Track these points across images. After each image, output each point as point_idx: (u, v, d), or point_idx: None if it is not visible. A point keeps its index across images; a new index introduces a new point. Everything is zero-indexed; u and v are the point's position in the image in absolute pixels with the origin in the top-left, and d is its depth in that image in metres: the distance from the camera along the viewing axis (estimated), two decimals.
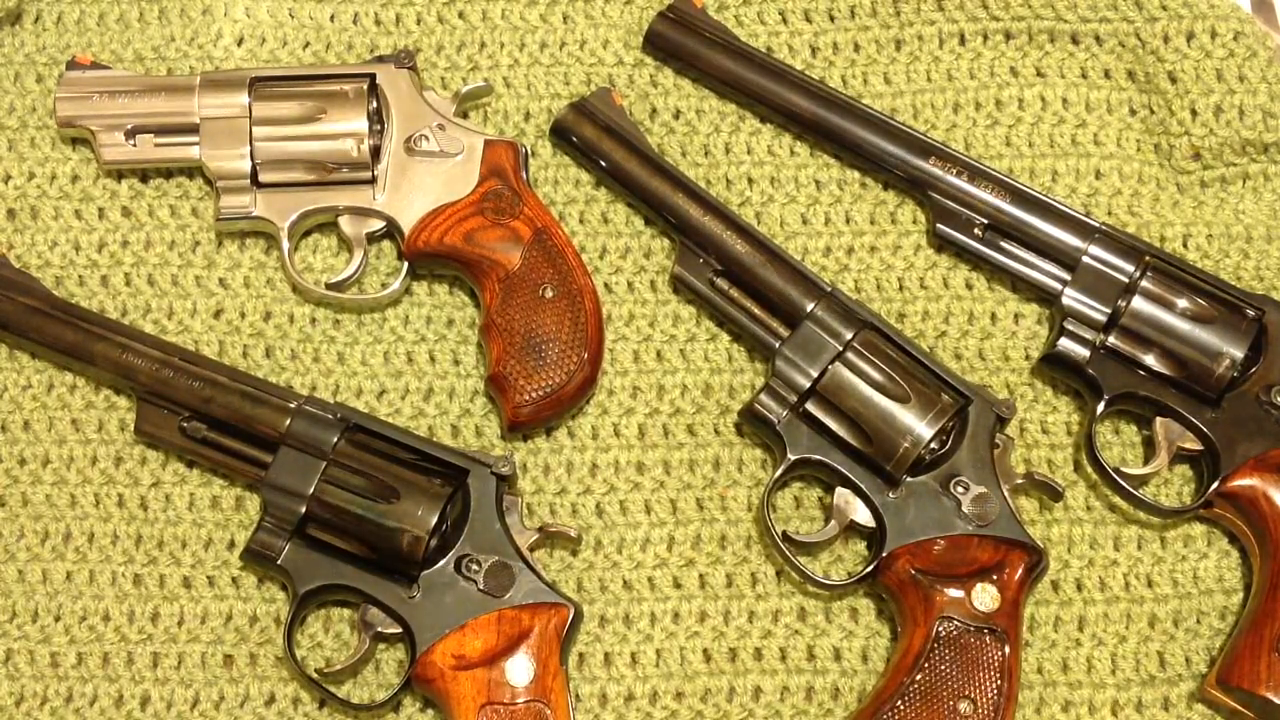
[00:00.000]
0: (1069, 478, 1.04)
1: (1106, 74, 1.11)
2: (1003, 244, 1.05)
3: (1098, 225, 1.03)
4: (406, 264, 1.05)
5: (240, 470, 0.99)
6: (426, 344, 1.06)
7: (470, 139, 1.06)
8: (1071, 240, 1.03)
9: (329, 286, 1.06)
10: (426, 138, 1.05)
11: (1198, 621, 1.01)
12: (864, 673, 1.00)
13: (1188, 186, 1.09)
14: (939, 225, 1.06)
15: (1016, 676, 0.94)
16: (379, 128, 1.05)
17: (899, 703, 0.93)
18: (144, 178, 1.10)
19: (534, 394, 1.00)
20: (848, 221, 1.09)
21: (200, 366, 1.00)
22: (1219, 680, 0.95)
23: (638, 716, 0.99)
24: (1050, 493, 1.00)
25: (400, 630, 0.95)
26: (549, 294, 1.02)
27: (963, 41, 1.12)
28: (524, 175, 1.06)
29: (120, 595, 1.01)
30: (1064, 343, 1.02)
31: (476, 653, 0.93)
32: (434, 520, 0.93)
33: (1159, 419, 1.01)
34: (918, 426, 0.96)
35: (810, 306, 1.01)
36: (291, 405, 0.98)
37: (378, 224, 1.06)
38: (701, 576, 1.02)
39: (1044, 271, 1.04)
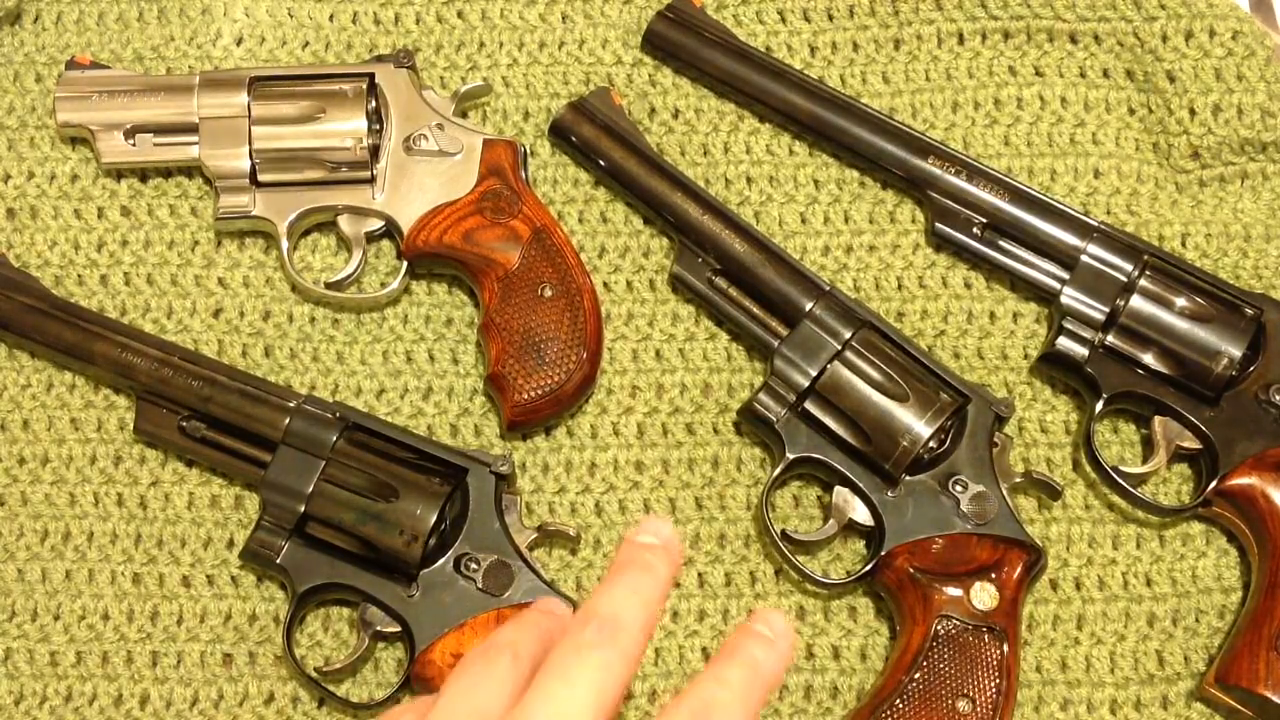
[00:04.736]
0: (1068, 476, 1.04)
1: (1105, 73, 1.11)
2: (1001, 243, 1.05)
3: (1096, 224, 1.03)
4: (405, 263, 1.05)
5: (239, 469, 0.99)
6: (425, 343, 1.06)
7: (469, 138, 1.06)
8: (1070, 239, 1.03)
9: (328, 286, 1.06)
10: (425, 137, 1.06)
11: (1196, 620, 1.01)
12: (862, 671, 1.00)
13: (1186, 185, 1.09)
14: (937, 224, 1.06)
15: (1015, 675, 0.94)
16: (378, 127, 1.06)
17: (897, 701, 0.93)
18: (143, 177, 1.10)
19: (533, 393, 1.00)
20: (846, 220, 1.09)
21: (199, 366, 1.00)
22: (1217, 679, 0.95)
23: (636, 715, 0.99)
24: (1049, 491, 1.00)
25: (399, 629, 0.95)
26: (548, 293, 1.02)
27: (961, 41, 1.12)
28: (523, 174, 1.06)
29: (119, 594, 1.01)
30: (1062, 341, 1.02)
31: None
32: (433, 519, 0.93)
33: (1157, 418, 1.01)
34: (916, 425, 0.96)
35: (809, 305, 1.01)
36: (290, 404, 0.98)
37: (377, 223, 1.06)
38: (700, 575, 1.02)
39: (1043, 270, 1.04)
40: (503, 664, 0.64)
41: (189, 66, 1.11)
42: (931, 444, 0.97)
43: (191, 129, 1.05)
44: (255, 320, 1.07)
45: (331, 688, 0.97)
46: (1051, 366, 1.03)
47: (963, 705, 0.93)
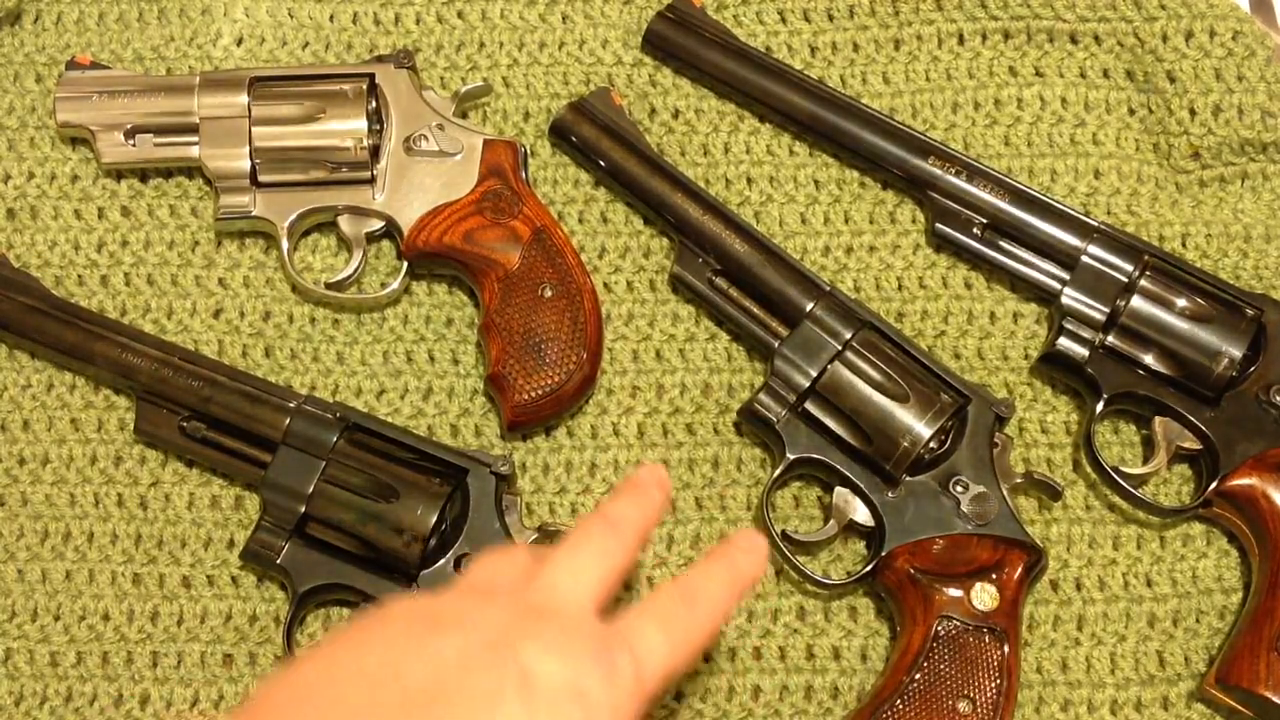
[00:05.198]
0: (1068, 477, 1.04)
1: (1105, 73, 1.11)
2: (1002, 243, 1.05)
3: (1096, 224, 1.03)
4: (405, 263, 1.05)
5: (239, 470, 0.99)
6: (426, 343, 1.06)
7: (469, 139, 1.06)
8: (1070, 239, 1.03)
9: (328, 286, 1.06)
10: (426, 137, 1.06)
11: (1197, 621, 1.01)
12: (863, 672, 1.00)
13: (1186, 186, 1.09)
14: (938, 225, 1.06)
15: (1016, 676, 0.94)
16: (378, 127, 1.06)
17: (898, 702, 0.93)
18: (143, 177, 1.10)
19: (533, 393, 1.00)
20: (846, 221, 1.09)
21: (200, 366, 1.00)
22: (1218, 679, 0.95)
23: None
24: (1049, 492, 1.00)
25: None
26: (548, 293, 1.02)
27: (961, 41, 1.12)
28: (523, 175, 1.06)
29: (119, 594, 1.01)
30: (1063, 342, 1.02)
31: None
32: (433, 519, 0.93)
33: (1158, 418, 1.01)
34: (917, 426, 0.96)
35: (809, 306, 1.01)
36: (291, 405, 0.98)
37: (377, 223, 1.06)
38: None
39: (1043, 271, 1.04)
40: (520, 552, 0.76)
41: (189, 67, 1.11)
42: (932, 444, 0.97)
43: (192, 129, 1.05)
44: (255, 321, 1.07)
45: None
46: (1052, 367, 1.03)
47: (963, 706, 0.93)
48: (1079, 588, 1.01)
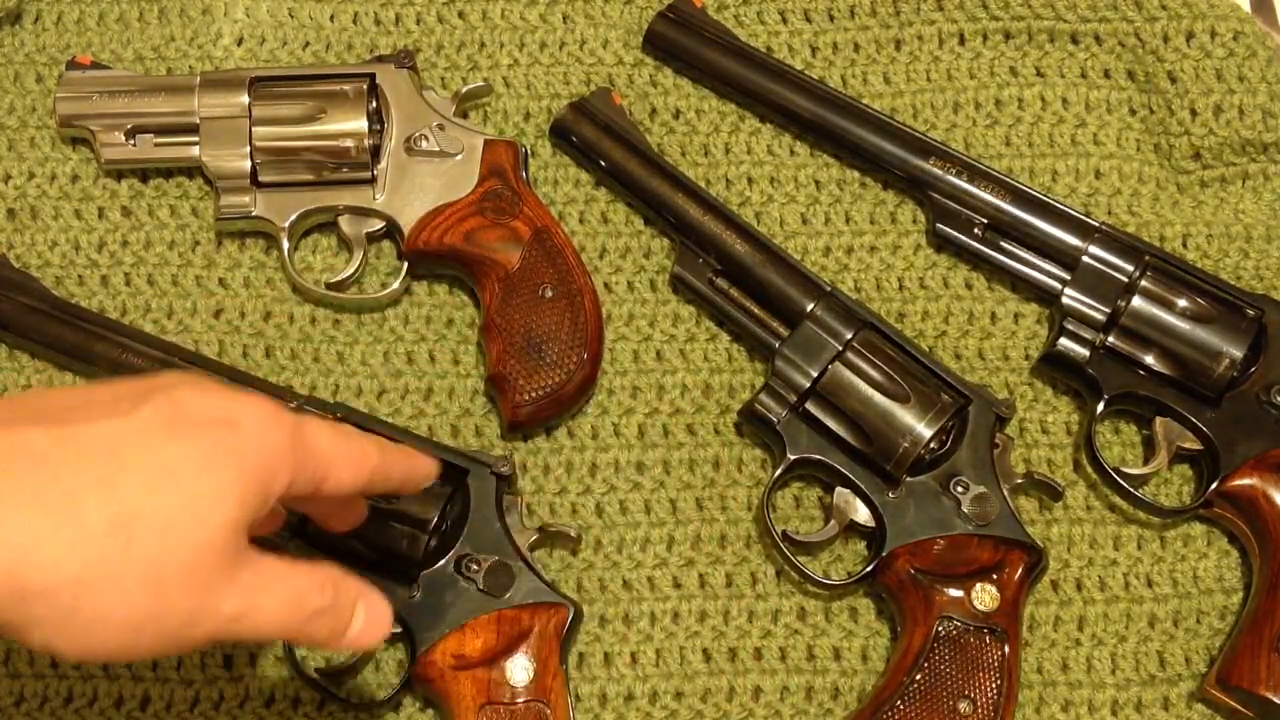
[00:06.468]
0: (1069, 477, 1.04)
1: (1106, 74, 1.11)
2: (1002, 244, 1.05)
3: (1097, 225, 1.03)
4: (406, 264, 1.05)
5: None
6: (426, 344, 1.06)
7: (470, 139, 1.06)
8: (1071, 240, 1.03)
9: (329, 286, 1.06)
10: (426, 137, 1.05)
11: (1197, 621, 1.01)
12: (864, 672, 1.00)
13: (1187, 186, 1.09)
14: (938, 225, 1.06)
15: (1016, 676, 0.94)
16: (379, 127, 1.05)
17: (899, 702, 0.93)
18: (144, 177, 1.10)
19: (534, 394, 1.00)
20: (847, 221, 1.09)
21: (200, 367, 1.00)
22: (1218, 680, 0.95)
23: (637, 716, 0.99)
24: (1050, 492, 1.00)
25: (400, 629, 0.95)
26: (548, 294, 1.02)
27: (962, 41, 1.12)
28: (524, 175, 1.06)
29: None
30: (1064, 342, 1.02)
31: (476, 652, 0.93)
32: (433, 520, 0.93)
33: (1159, 419, 1.01)
34: (917, 426, 0.96)
35: (810, 306, 1.01)
36: (291, 405, 0.98)
37: (377, 224, 1.06)
38: (701, 576, 1.01)
39: (1044, 271, 1.04)
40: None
41: (189, 67, 1.11)
42: (932, 445, 0.97)
43: (192, 129, 1.05)
44: (256, 321, 1.07)
45: (332, 689, 0.97)
46: (1052, 367, 1.03)
47: (964, 706, 0.93)
48: (1080, 588, 1.01)
